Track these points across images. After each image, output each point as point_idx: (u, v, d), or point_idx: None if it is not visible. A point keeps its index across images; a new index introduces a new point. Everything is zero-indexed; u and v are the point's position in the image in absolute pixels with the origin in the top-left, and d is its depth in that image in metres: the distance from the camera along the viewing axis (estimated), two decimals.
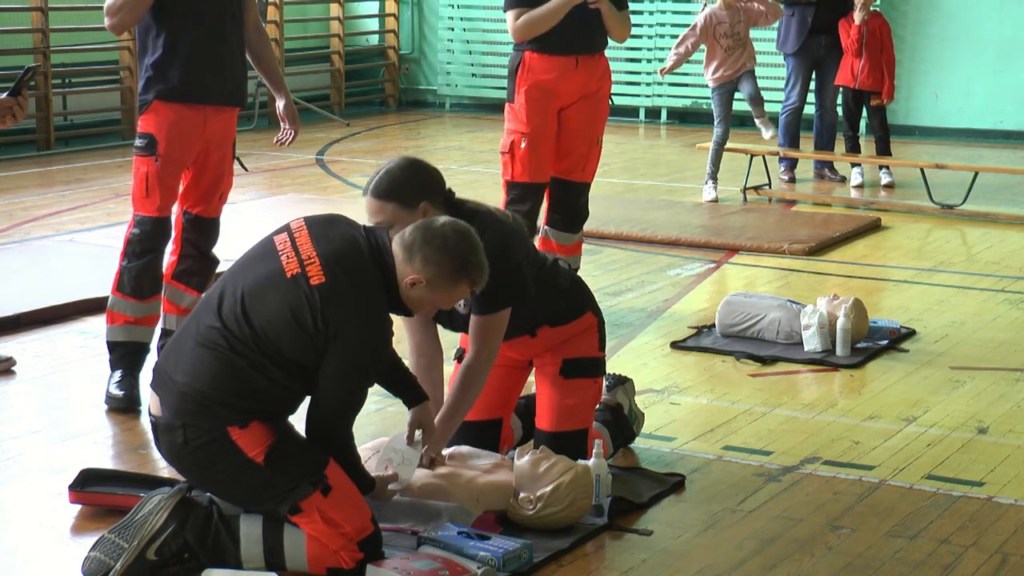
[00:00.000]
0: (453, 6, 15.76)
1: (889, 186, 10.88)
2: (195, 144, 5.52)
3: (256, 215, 9.06)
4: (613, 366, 5.79)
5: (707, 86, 10.26)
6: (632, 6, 6.77)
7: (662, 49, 14.75)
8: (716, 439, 5.23)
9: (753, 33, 10.16)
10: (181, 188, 5.62)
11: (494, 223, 4.43)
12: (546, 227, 6.77)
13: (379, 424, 5.24)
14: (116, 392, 5.51)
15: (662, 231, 8.88)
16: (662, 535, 4.34)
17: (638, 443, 5.14)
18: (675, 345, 6.46)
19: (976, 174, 9.91)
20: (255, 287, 3.97)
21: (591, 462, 4.41)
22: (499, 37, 15.33)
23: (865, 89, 10.63)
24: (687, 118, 14.85)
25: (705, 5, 10.35)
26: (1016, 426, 5.41)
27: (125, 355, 5.58)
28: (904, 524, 4.45)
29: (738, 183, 10.46)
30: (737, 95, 10.19)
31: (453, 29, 15.86)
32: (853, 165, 10.94)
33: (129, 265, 5.53)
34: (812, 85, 10.91)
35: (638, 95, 14.93)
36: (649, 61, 14.89)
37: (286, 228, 4.11)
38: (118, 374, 5.56)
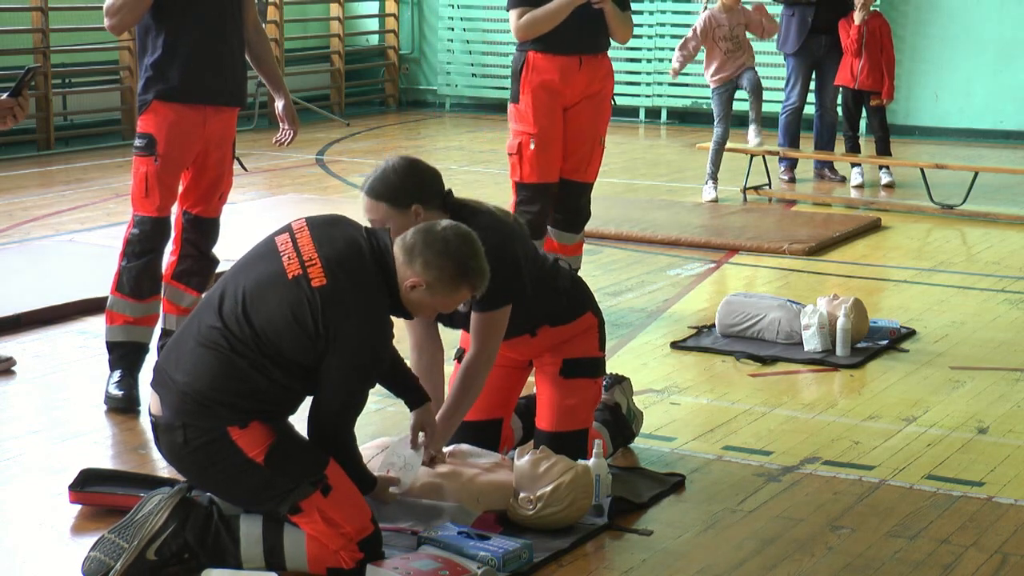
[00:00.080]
0: (453, 6, 15.76)
1: (889, 186, 10.88)
2: (195, 144, 5.52)
3: (256, 215, 9.06)
4: (613, 366, 5.79)
5: (707, 86, 10.26)
6: (632, 6, 6.75)
7: (662, 49, 14.77)
8: (716, 439, 5.23)
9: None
10: (181, 188, 5.62)
11: (494, 222, 4.43)
12: (548, 227, 6.77)
13: (379, 424, 5.24)
14: (115, 392, 5.51)
15: (662, 231, 8.88)
16: (662, 535, 4.34)
17: (638, 443, 5.14)
18: (675, 345, 6.46)
19: (976, 174, 9.92)
20: (256, 287, 3.97)
21: (591, 462, 4.41)
22: (499, 37, 15.34)
23: (865, 89, 10.63)
24: (687, 118, 14.85)
25: (705, 7, 10.34)
26: (1016, 426, 5.41)
27: (124, 355, 5.58)
28: (904, 524, 4.45)
29: (738, 183, 10.46)
30: (738, 94, 10.20)
31: (453, 29, 15.86)
32: (853, 165, 10.94)
33: (128, 265, 5.53)
34: (812, 85, 10.91)
35: (638, 95, 14.93)
36: (649, 61, 14.89)
37: (288, 228, 4.11)
38: (117, 374, 5.56)
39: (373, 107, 16.19)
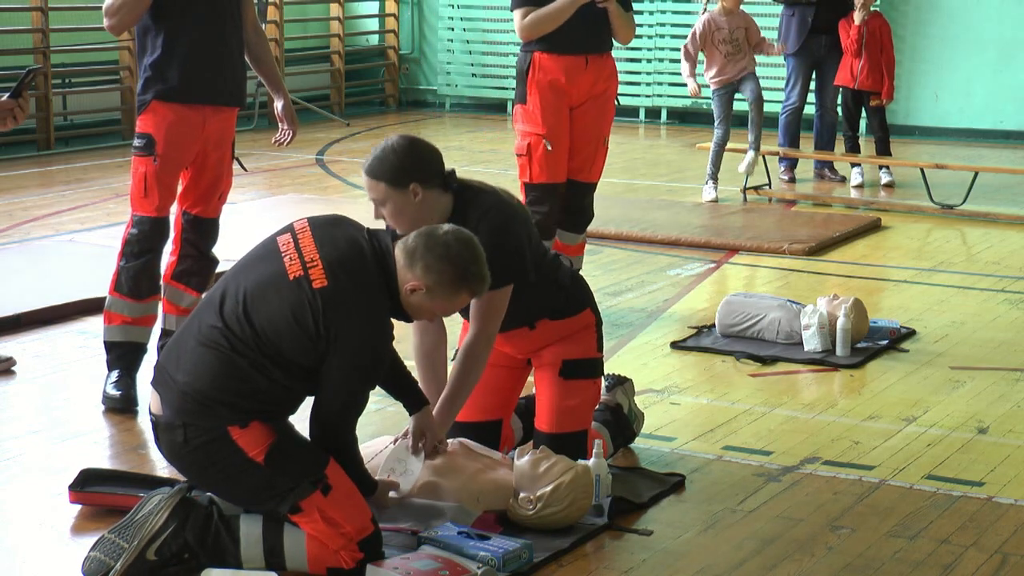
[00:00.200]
0: (453, 6, 15.75)
1: (889, 186, 10.88)
2: (194, 144, 5.52)
3: (256, 215, 9.06)
4: (613, 366, 5.80)
5: (707, 86, 10.25)
6: (633, 6, 6.75)
7: (662, 49, 14.78)
8: (716, 439, 5.23)
9: None
10: (180, 188, 5.62)
11: (498, 202, 4.43)
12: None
13: (379, 424, 5.24)
14: (113, 392, 5.51)
15: (662, 231, 8.88)
16: (662, 535, 4.34)
17: (638, 443, 5.14)
18: (675, 345, 6.46)
19: (976, 174, 9.92)
20: (257, 287, 3.97)
21: (591, 462, 4.41)
22: (499, 37, 15.34)
23: (864, 89, 10.63)
24: (687, 118, 14.85)
25: (704, 10, 10.33)
26: (1016, 426, 5.41)
27: (122, 355, 5.58)
28: (904, 524, 4.45)
29: (738, 183, 10.46)
30: (737, 96, 10.19)
31: (453, 29, 15.86)
32: (853, 165, 10.94)
33: (127, 265, 5.53)
34: (812, 85, 10.91)
35: (638, 95, 14.93)
36: (649, 61, 14.89)
37: (290, 228, 4.11)
38: (115, 374, 5.56)
39: (373, 107, 16.19)
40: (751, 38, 10.00)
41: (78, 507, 4.47)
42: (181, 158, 5.50)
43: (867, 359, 6.24)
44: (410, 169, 4.33)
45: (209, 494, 4.07)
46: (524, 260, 4.47)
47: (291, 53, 15.07)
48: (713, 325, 6.63)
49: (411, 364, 4.54)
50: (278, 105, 5.82)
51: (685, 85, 10.31)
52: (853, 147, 10.96)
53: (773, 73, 12.78)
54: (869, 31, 10.46)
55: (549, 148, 6.43)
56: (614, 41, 6.64)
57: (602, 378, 4.94)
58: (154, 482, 4.42)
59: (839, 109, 10.93)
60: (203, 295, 5.13)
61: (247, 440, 3.93)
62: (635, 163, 12.25)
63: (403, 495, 4.28)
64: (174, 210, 5.62)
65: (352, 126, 14.31)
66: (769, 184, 10.54)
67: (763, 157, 10.55)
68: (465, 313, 4.53)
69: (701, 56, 10.14)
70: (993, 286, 7.73)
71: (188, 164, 5.55)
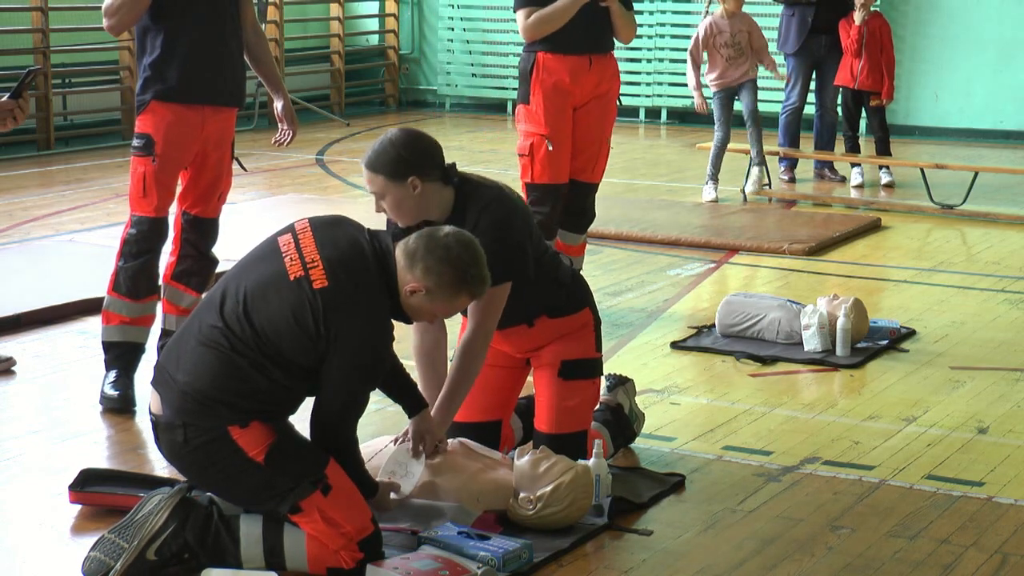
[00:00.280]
0: (453, 6, 15.75)
1: (889, 186, 10.88)
2: (193, 144, 5.51)
3: (256, 215, 9.06)
4: (613, 366, 5.80)
5: (707, 87, 10.24)
6: (633, 6, 6.75)
7: (662, 49, 14.77)
8: (716, 439, 5.23)
9: None
10: (180, 188, 5.62)
11: (499, 196, 4.42)
12: None
13: (379, 424, 5.24)
14: (111, 392, 5.51)
15: (662, 231, 8.88)
16: (662, 535, 4.34)
17: (638, 443, 5.14)
18: (675, 345, 6.46)
19: (976, 174, 9.92)
20: (257, 287, 3.97)
21: (591, 462, 4.41)
22: (499, 37, 15.34)
23: (864, 89, 10.63)
24: (687, 118, 14.83)
25: (706, 13, 10.33)
26: (1016, 426, 5.41)
27: (120, 355, 5.57)
28: (904, 524, 4.45)
29: (738, 183, 10.46)
30: (736, 100, 10.19)
31: (453, 29, 15.86)
32: (853, 165, 10.94)
33: (125, 265, 5.53)
34: (812, 85, 10.91)
35: (638, 95, 14.92)
36: (649, 61, 14.88)
37: (290, 229, 4.11)
38: (113, 374, 5.56)
39: (373, 107, 16.19)
40: (754, 42, 9.99)
41: (78, 507, 4.47)
42: (180, 158, 5.50)
43: (867, 359, 6.24)
44: (408, 162, 4.32)
45: (209, 494, 4.07)
46: (525, 255, 4.46)
47: (291, 53, 15.07)
48: (713, 325, 6.63)
49: (411, 364, 4.54)
50: (278, 105, 5.82)
51: (685, 86, 10.30)
52: (853, 147, 10.96)
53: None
54: (869, 31, 10.46)
55: (551, 148, 6.43)
56: (616, 40, 6.64)
57: (603, 378, 4.94)
58: (154, 482, 4.42)
59: (839, 109, 10.93)
60: (203, 295, 5.13)
61: (247, 440, 3.93)
62: (635, 163, 12.25)
63: (403, 497, 4.28)
64: (173, 210, 5.62)
65: (352, 126, 14.31)
66: (769, 184, 10.54)
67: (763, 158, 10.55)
68: (466, 312, 4.53)
69: (705, 57, 10.15)
70: (993, 286, 7.73)
71: (187, 164, 5.55)
